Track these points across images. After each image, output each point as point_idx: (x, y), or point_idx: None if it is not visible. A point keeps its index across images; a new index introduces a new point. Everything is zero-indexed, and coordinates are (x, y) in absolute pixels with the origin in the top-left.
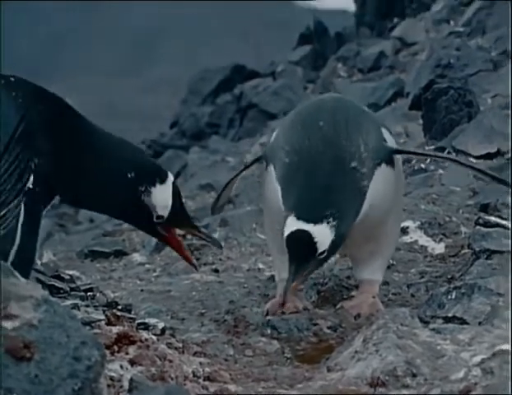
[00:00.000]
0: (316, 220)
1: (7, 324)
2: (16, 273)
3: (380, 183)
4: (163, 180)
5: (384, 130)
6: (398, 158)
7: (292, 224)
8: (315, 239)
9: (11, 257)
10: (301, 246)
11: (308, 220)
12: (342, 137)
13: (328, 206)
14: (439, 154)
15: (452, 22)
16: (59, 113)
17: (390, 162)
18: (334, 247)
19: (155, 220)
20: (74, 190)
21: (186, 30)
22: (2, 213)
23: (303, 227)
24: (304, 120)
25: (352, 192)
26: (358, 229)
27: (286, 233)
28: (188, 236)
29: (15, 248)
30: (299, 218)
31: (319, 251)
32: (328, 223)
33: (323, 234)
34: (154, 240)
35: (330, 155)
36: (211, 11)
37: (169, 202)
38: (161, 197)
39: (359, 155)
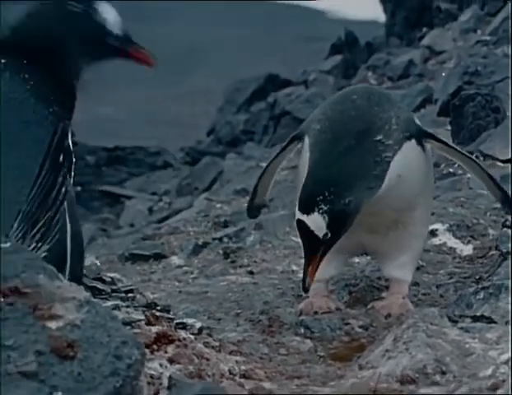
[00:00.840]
0: (308, 211)
1: (52, 324)
2: (60, 276)
3: (408, 157)
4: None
5: (416, 118)
6: (429, 150)
7: (296, 212)
8: (311, 228)
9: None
10: (304, 234)
11: (302, 211)
12: (373, 109)
13: (323, 190)
14: (467, 154)
15: (479, 31)
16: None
17: (420, 142)
18: (337, 227)
19: (109, 39)
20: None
21: (222, 44)
22: (51, 227)
23: (299, 217)
24: (340, 96)
25: (371, 162)
26: (385, 203)
27: (295, 219)
28: (225, 240)
29: (68, 257)
30: (298, 208)
31: (320, 236)
32: (319, 211)
33: (316, 222)
34: (192, 244)
35: (356, 126)
36: (244, 29)
37: (117, 16)
38: (109, 13)
39: (388, 127)
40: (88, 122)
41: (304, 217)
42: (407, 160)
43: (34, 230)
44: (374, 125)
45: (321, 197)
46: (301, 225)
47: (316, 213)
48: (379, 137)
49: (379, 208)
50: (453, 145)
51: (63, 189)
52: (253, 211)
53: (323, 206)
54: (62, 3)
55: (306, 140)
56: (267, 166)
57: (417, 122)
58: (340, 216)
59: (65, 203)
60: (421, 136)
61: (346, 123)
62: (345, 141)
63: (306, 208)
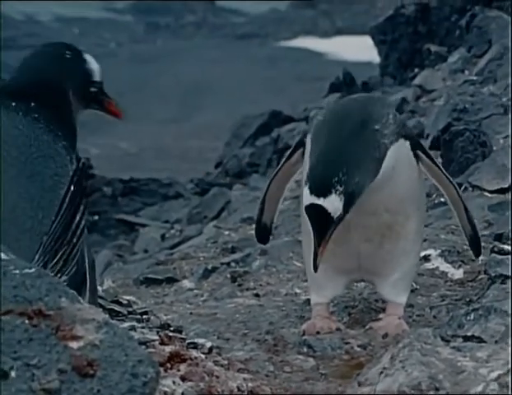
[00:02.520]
0: (325, 193)
1: (73, 344)
2: (81, 299)
3: (402, 152)
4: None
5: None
6: (421, 168)
7: (306, 197)
8: (328, 211)
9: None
10: (318, 218)
11: (318, 195)
12: (372, 105)
13: (337, 172)
14: (453, 182)
15: (466, 72)
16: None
17: (414, 148)
18: (348, 206)
19: (93, 88)
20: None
21: (228, 83)
22: (71, 256)
23: (315, 201)
24: (341, 98)
25: (370, 146)
26: (380, 199)
27: (304, 205)
28: (232, 264)
29: (88, 283)
30: (311, 192)
31: (335, 217)
32: (336, 192)
33: (333, 203)
34: (201, 268)
35: (355, 117)
36: (250, 69)
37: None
38: (94, 64)
39: (386, 120)
40: (105, 156)
41: (320, 201)
42: (401, 154)
43: (54, 262)
44: (372, 116)
45: (336, 179)
46: (315, 209)
47: (334, 195)
48: (377, 127)
49: (374, 203)
50: (437, 163)
51: (83, 222)
52: (261, 232)
53: (338, 187)
54: (58, 54)
55: (308, 138)
56: (271, 179)
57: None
58: (353, 195)
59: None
60: (415, 143)
61: (346, 114)
62: (346, 128)
63: (323, 191)
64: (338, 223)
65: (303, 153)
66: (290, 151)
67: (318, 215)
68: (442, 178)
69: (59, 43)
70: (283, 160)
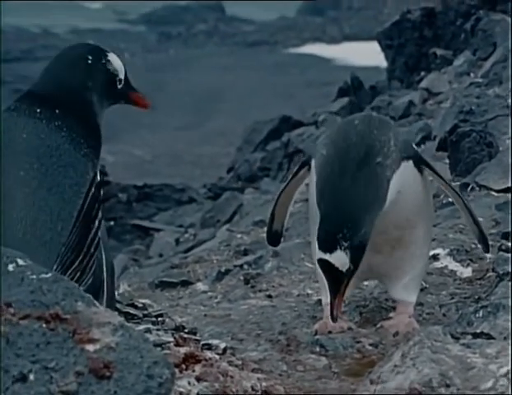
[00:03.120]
0: (331, 250)
1: (90, 347)
2: (96, 303)
3: (406, 174)
4: (107, 51)
5: (414, 145)
6: (427, 175)
7: (317, 252)
8: (335, 265)
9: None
10: (328, 271)
11: (324, 251)
12: (372, 133)
13: (341, 228)
14: (456, 191)
15: (472, 74)
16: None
17: (417, 164)
18: (356, 259)
19: (118, 85)
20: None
21: (239, 90)
22: (88, 268)
23: (323, 257)
24: (343, 123)
25: (373, 186)
26: (388, 220)
27: (316, 259)
28: (245, 267)
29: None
30: (319, 248)
31: (344, 270)
32: (341, 248)
33: (340, 259)
34: (215, 271)
35: (357, 151)
36: (260, 76)
37: (121, 64)
38: (117, 62)
39: (387, 149)
40: (120, 163)
41: (327, 256)
42: (405, 177)
43: (71, 272)
44: (373, 148)
45: (340, 235)
46: (324, 263)
47: (339, 251)
48: (378, 160)
49: (383, 225)
50: (441, 175)
51: (99, 233)
52: (272, 237)
53: (343, 242)
54: (81, 58)
55: (313, 164)
56: (280, 193)
57: (415, 147)
58: (359, 247)
59: (101, 243)
60: (417, 159)
61: (347, 149)
62: (348, 171)
63: (329, 247)
64: (351, 275)
65: (308, 169)
66: (296, 169)
67: (329, 269)
68: (447, 188)
69: (81, 45)
70: (290, 176)
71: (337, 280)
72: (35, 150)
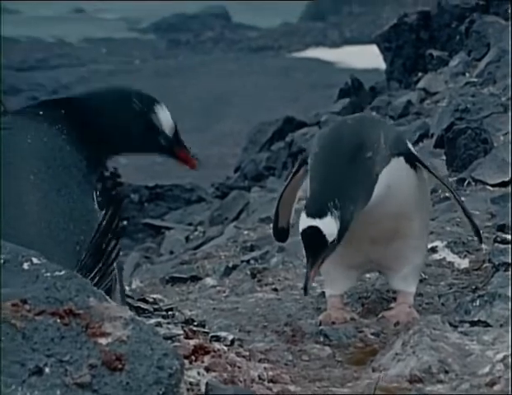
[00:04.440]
0: (321, 215)
1: (102, 341)
2: (108, 298)
3: (396, 169)
4: (159, 105)
5: (408, 142)
6: (421, 170)
7: (303, 220)
8: (323, 233)
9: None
10: (313, 241)
11: (314, 216)
12: (364, 131)
13: (333, 197)
14: (448, 185)
15: (467, 74)
16: None
17: (409, 160)
18: (342, 232)
19: (163, 140)
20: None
21: (245, 94)
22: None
23: (311, 223)
24: (338, 122)
25: (362, 176)
26: (382, 211)
27: (300, 229)
28: (252, 262)
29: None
30: (308, 215)
31: (329, 241)
32: (332, 214)
33: (329, 225)
34: (223, 266)
35: (349, 146)
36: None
37: (171, 121)
38: (165, 117)
39: (377, 146)
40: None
41: (316, 222)
42: (395, 172)
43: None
44: (363, 145)
45: (332, 203)
46: (310, 232)
47: (329, 217)
48: (368, 155)
49: (377, 216)
50: (434, 172)
51: (118, 245)
52: (279, 234)
53: (334, 210)
54: (128, 98)
55: (309, 161)
56: (282, 192)
57: (408, 144)
58: (347, 222)
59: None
60: (408, 156)
61: (338, 144)
62: (341, 159)
63: (319, 213)
64: (332, 250)
65: (307, 169)
66: (295, 167)
67: (313, 238)
68: (439, 182)
69: (136, 91)
70: (290, 175)
71: (318, 250)
72: (40, 153)
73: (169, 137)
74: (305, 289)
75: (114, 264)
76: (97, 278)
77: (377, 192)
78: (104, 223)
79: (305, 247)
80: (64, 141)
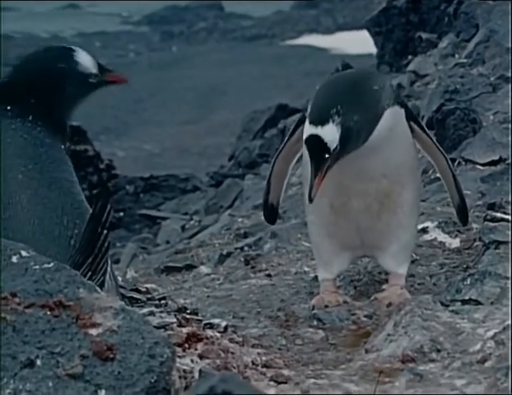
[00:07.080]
0: (323, 122)
1: (93, 331)
2: (98, 289)
3: (398, 117)
4: (75, 51)
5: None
6: (415, 143)
7: (307, 129)
8: (325, 140)
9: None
10: (316, 149)
11: (316, 124)
12: (371, 73)
13: (335, 104)
14: (444, 153)
15: (456, 56)
16: None
17: (408, 119)
18: (345, 140)
19: (93, 78)
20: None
21: (240, 83)
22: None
23: (313, 132)
24: (339, 71)
25: (369, 100)
26: (377, 161)
27: (304, 138)
28: (245, 248)
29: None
30: (310, 123)
31: (332, 148)
32: (333, 121)
33: (330, 133)
34: (217, 254)
35: (355, 79)
36: (259, 68)
37: (90, 57)
38: (86, 59)
39: (383, 84)
40: (130, 157)
41: (318, 129)
42: (397, 120)
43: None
44: (371, 79)
45: (334, 110)
46: (313, 140)
47: (331, 124)
48: (375, 87)
49: (373, 169)
50: (431, 135)
51: (108, 238)
52: (268, 211)
53: (336, 117)
54: (49, 64)
55: (308, 106)
56: (276, 156)
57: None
58: (350, 130)
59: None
60: (409, 113)
61: (346, 77)
62: (346, 84)
63: (321, 120)
64: (336, 158)
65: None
66: (291, 129)
67: (316, 146)
68: (433, 149)
69: (51, 48)
70: (285, 138)
71: (321, 158)
72: (23, 151)
73: (97, 74)
74: (310, 198)
75: (106, 256)
76: (89, 270)
77: (380, 127)
78: (94, 215)
79: (309, 155)
80: (42, 133)
